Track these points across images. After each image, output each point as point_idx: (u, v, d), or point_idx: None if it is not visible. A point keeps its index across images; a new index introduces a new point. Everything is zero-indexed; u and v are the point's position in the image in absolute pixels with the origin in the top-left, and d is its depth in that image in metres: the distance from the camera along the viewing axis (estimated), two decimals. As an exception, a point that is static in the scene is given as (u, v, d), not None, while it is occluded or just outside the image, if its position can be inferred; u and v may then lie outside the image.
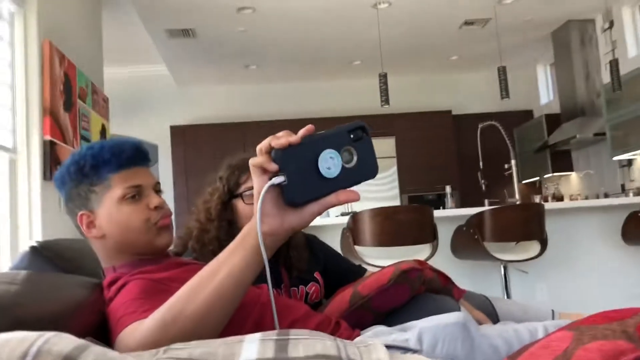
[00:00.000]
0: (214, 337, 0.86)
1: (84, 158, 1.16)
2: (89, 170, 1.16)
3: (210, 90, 8.31)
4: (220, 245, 1.51)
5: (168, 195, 7.87)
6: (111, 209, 1.16)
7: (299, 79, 8.27)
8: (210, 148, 7.71)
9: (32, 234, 3.00)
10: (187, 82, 8.03)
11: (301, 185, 0.78)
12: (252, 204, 1.52)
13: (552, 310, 1.57)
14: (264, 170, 0.79)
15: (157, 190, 1.23)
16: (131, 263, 1.18)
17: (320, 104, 8.32)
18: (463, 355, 1.03)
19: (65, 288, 1.05)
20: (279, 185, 0.78)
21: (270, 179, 0.78)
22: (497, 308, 1.51)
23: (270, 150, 0.78)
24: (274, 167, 0.78)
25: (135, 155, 1.20)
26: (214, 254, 1.49)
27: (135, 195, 1.17)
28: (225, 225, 1.55)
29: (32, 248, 1.28)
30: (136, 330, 0.91)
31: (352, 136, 0.80)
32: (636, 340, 0.61)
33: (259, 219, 0.80)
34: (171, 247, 1.61)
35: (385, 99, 4.85)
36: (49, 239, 1.34)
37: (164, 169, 8.07)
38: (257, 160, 0.79)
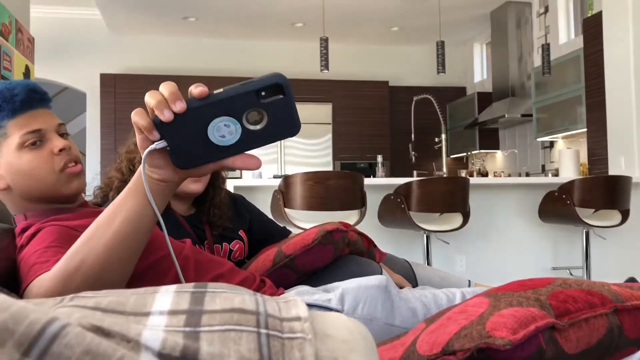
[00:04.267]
0: (121, 286, 0.84)
1: None
2: None
3: (145, 40, 7.98)
4: None
5: (94, 147, 7.58)
6: (10, 158, 1.06)
7: (239, 36, 8.07)
8: (142, 99, 7.45)
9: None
10: (121, 29, 7.67)
11: (187, 153, 0.71)
12: None
13: (469, 281, 1.63)
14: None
15: (62, 133, 1.13)
16: (43, 212, 1.11)
17: (259, 63, 8.18)
18: (382, 317, 1.05)
19: (-28, 233, 0.98)
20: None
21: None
22: (417, 273, 1.56)
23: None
24: (154, 136, 0.71)
25: (30, 97, 1.08)
26: None
27: (37, 141, 1.07)
28: None
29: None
30: (44, 280, 0.86)
31: (263, 94, 0.69)
32: (547, 308, 0.64)
33: (144, 173, 0.76)
34: (91, 198, 1.54)
35: (325, 64, 4.82)
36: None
37: (92, 119, 7.74)
38: (138, 122, 0.72)
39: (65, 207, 1.14)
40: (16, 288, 0.96)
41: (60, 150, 1.09)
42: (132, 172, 1.50)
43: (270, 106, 0.70)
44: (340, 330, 0.49)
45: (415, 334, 0.77)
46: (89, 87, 7.71)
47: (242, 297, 0.47)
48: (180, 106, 0.69)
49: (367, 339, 0.50)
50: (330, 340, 0.47)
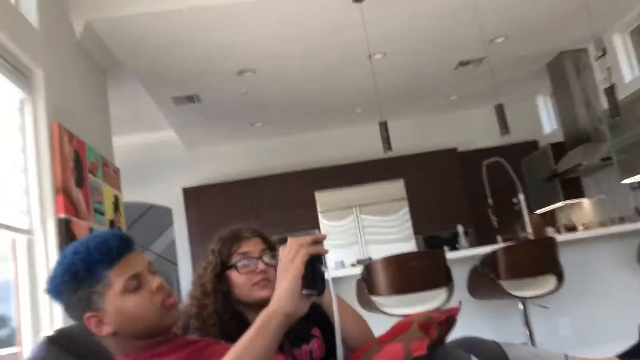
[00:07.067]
0: None
1: (75, 264, 1.17)
2: (83, 274, 1.17)
3: (219, 150, 8.45)
4: (219, 318, 1.53)
5: (185, 258, 7.91)
6: (117, 304, 1.18)
7: (304, 131, 8.40)
8: (224, 207, 7.78)
9: (53, 318, 2.96)
10: (196, 144, 8.19)
11: (315, 280, 1.12)
12: (246, 274, 1.55)
13: (566, 355, 1.56)
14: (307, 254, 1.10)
15: (153, 271, 1.26)
16: (143, 346, 1.21)
17: (327, 153, 8.41)
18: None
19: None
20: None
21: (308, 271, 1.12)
22: (510, 356, 1.52)
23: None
24: (325, 251, 1.16)
25: (123, 244, 1.23)
26: (214, 326, 1.52)
27: (137, 285, 1.20)
28: (221, 298, 1.56)
29: (48, 338, 1.31)
30: None
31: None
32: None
33: (335, 308, 1.18)
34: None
35: (387, 146, 4.90)
36: (64, 327, 1.38)
37: (180, 232, 8.12)
38: (320, 250, 1.13)
39: (160, 340, 1.24)
40: None
41: (158, 288, 1.23)
42: (205, 295, 1.57)
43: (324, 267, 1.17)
44: None
45: None
46: (173, 202, 8.15)
47: None
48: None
49: None
50: None
